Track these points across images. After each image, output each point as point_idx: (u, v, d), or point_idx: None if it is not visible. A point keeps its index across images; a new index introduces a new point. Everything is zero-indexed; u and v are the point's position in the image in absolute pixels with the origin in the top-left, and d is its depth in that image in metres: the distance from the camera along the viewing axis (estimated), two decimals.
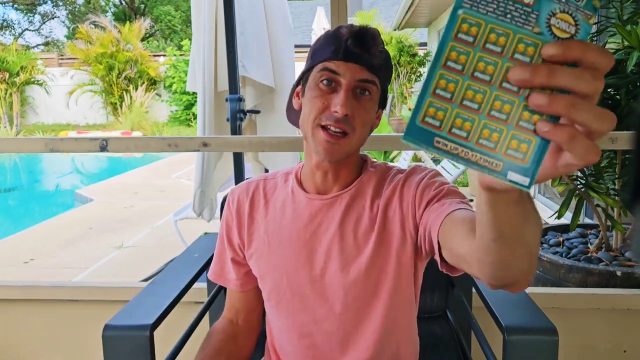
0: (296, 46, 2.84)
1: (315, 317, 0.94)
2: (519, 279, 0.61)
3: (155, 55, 16.53)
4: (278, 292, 0.96)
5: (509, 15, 0.39)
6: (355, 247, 0.92)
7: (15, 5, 24.78)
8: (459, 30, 0.39)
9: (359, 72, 0.86)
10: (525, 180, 0.39)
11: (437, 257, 0.80)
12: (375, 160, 1.03)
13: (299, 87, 0.95)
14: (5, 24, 24.95)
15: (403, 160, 6.27)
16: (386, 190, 0.94)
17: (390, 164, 1.02)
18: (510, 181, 0.40)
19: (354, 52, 0.86)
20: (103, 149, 1.60)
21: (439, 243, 0.78)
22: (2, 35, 24.02)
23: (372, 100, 0.89)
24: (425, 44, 13.53)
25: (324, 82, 0.87)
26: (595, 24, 2.65)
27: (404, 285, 0.94)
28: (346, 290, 0.92)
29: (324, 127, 0.86)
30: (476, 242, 0.58)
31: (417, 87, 10.33)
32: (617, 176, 2.30)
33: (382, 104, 0.94)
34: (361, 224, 0.93)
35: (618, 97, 2.26)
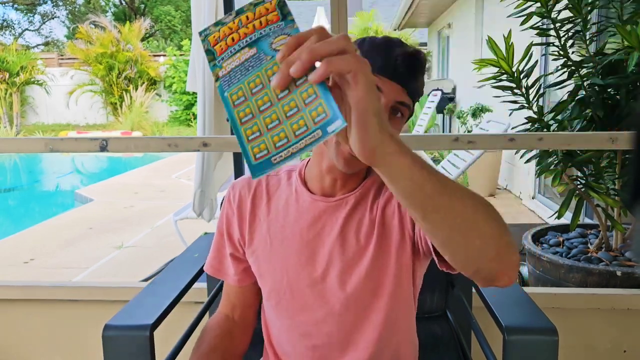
0: None
1: (315, 318, 0.94)
2: (485, 266, 0.63)
3: (155, 55, 16.53)
4: (278, 292, 0.96)
5: (250, 68, 0.55)
6: (357, 250, 0.92)
7: (15, 5, 24.78)
8: (233, 102, 0.54)
9: (400, 94, 0.85)
10: (339, 122, 0.50)
11: (433, 256, 0.80)
12: None
13: None
14: (5, 24, 24.96)
15: None
16: (386, 191, 0.94)
17: None
18: (333, 132, 0.50)
19: (402, 73, 0.85)
20: (103, 149, 1.60)
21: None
22: (2, 35, 24.03)
23: (401, 123, 0.89)
24: (425, 44, 13.52)
25: None
26: (595, 24, 2.65)
27: (403, 287, 0.93)
28: (347, 293, 0.92)
29: None
30: None
31: None
32: (617, 176, 2.30)
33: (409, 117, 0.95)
34: (362, 226, 0.92)
35: (618, 97, 2.26)
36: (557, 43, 2.30)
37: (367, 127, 0.53)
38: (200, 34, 0.58)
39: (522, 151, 2.38)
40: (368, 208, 0.93)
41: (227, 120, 2.19)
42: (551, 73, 2.61)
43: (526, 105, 2.35)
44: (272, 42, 0.54)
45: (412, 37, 11.92)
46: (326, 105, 0.51)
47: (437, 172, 0.59)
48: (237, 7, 2.22)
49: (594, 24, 2.60)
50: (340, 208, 0.93)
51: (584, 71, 2.29)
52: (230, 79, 0.55)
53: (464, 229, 0.60)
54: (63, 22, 27.31)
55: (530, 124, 2.38)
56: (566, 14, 2.28)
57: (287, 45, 0.52)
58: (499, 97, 2.42)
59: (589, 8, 2.26)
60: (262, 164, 0.52)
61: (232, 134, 2.18)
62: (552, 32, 2.29)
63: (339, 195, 0.94)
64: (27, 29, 26.03)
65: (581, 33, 2.26)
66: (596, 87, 2.24)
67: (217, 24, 0.58)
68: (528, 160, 2.45)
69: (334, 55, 0.51)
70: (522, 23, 2.26)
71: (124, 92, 14.76)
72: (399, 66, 0.84)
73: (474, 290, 1.35)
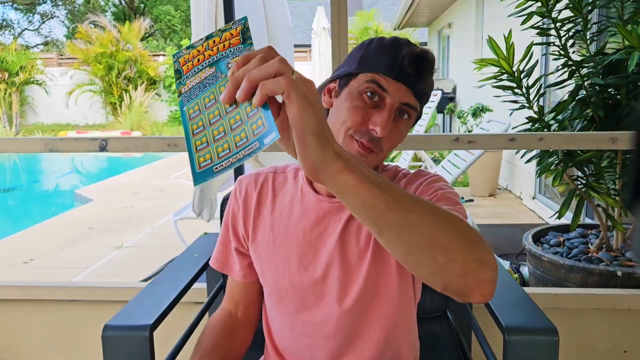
0: (296, 46, 2.84)
1: (315, 318, 0.94)
2: (453, 282, 0.62)
3: (154, 55, 16.54)
4: (279, 291, 0.96)
5: (207, 85, 0.59)
6: (357, 252, 0.91)
7: (15, 5, 24.78)
8: (189, 115, 0.58)
9: (406, 95, 0.84)
10: (274, 134, 0.53)
11: None
12: (387, 163, 1.01)
13: (333, 85, 0.91)
14: (4, 23, 24.96)
15: (403, 160, 6.28)
16: None
17: (400, 167, 1.01)
18: (269, 143, 0.54)
19: (408, 74, 0.84)
20: (103, 149, 1.60)
21: None
22: (1, 35, 24.03)
23: (408, 125, 0.88)
24: (425, 44, 13.53)
25: (368, 94, 0.84)
26: (595, 23, 2.65)
27: (403, 290, 0.93)
28: (347, 294, 0.91)
29: (356, 139, 0.84)
30: None
31: None
32: (617, 176, 2.30)
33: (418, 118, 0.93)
34: (363, 229, 0.92)
35: (618, 97, 2.26)
36: (557, 43, 2.29)
37: (306, 145, 0.54)
38: (172, 56, 0.63)
39: (523, 151, 2.38)
40: None
41: None
42: (552, 73, 2.61)
43: (527, 105, 2.35)
44: (228, 62, 0.59)
45: (412, 36, 11.92)
46: (265, 118, 0.54)
47: (391, 189, 0.59)
48: (236, 7, 2.22)
49: (594, 23, 2.60)
50: (343, 209, 0.92)
51: (584, 71, 2.29)
52: (189, 94, 0.59)
53: (423, 246, 0.60)
54: (62, 21, 27.34)
55: (530, 123, 2.38)
56: (567, 13, 2.28)
57: (236, 63, 0.56)
58: (499, 96, 2.42)
59: (590, 8, 2.26)
60: (204, 172, 0.55)
61: None
62: (553, 32, 2.29)
63: None
64: (26, 29, 26.04)
65: (582, 33, 2.26)
66: (597, 87, 2.24)
67: (188, 47, 0.62)
68: (529, 160, 2.45)
69: (268, 79, 0.54)
70: (523, 23, 2.26)
71: (124, 92, 14.76)
72: (405, 66, 0.83)
73: None
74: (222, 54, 0.60)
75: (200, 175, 0.55)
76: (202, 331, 1.02)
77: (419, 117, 0.90)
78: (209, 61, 0.60)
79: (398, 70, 0.83)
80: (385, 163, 1.01)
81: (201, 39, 0.62)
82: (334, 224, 0.93)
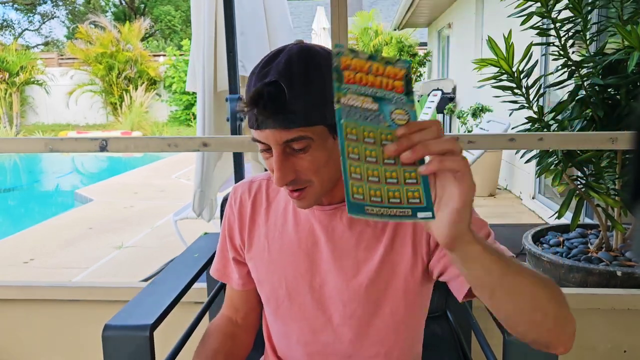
0: None
1: (313, 327, 0.93)
2: (543, 336, 0.69)
3: (155, 55, 16.54)
4: (277, 299, 0.95)
5: (368, 119, 0.59)
6: (356, 263, 0.89)
7: (15, 5, 24.78)
8: (346, 133, 0.58)
9: (279, 136, 0.77)
10: (429, 214, 0.58)
11: (461, 297, 0.82)
12: None
13: None
14: (5, 24, 24.96)
15: None
16: None
17: None
18: (422, 219, 0.58)
19: (263, 119, 0.76)
20: (103, 149, 1.60)
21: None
22: (2, 35, 24.03)
23: (314, 148, 0.79)
24: (425, 44, 13.52)
25: (260, 148, 0.82)
26: (595, 24, 2.65)
27: (408, 305, 0.91)
28: (345, 304, 0.90)
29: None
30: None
31: (417, 86, 10.32)
32: (617, 176, 2.30)
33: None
34: (363, 239, 0.89)
35: (618, 97, 2.26)
36: (557, 43, 2.30)
37: (461, 219, 0.59)
38: (336, 46, 0.60)
39: (523, 151, 2.38)
40: (371, 221, 0.89)
41: (227, 120, 2.20)
42: (551, 73, 2.61)
43: (526, 105, 2.35)
44: (392, 111, 0.60)
45: (412, 37, 11.91)
46: (423, 194, 0.59)
47: (503, 256, 0.66)
48: (237, 7, 2.22)
49: (594, 23, 2.60)
50: (337, 217, 0.90)
51: (584, 71, 2.29)
52: (349, 111, 0.59)
53: (527, 306, 0.67)
54: (63, 22, 27.35)
55: (530, 123, 2.38)
56: (566, 13, 2.28)
57: (408, 127, 0.59)
58: (499, 97, 2.42)
59: (589, 8, 2.27)
60: (357, 205, 0.57)
61: (232, 134, 2.18)
62: (552, 32, 2.29)
63: (334, 202, 0.91)
64: (27, 29, 26.06)
65: (581, 33, 2.26)
66: (596, 87, 2.24)
67: (352, 50, 0.60)
68: (528, 160, 2.45)
69: (444, 155, 0.58)
70: (523, 23, 2.26)
71: (124, 92, 14.76)
72: (257, 113, 0.76)
73: None
74: (386, 94, 0.60)
75: (354, 207, 0.57)
76: (201, 338, 1.02)
77: (335, 134, 0.80)
78: (372, 92, 0.60)
79: (255, 119, 0.77)
80: None
81: (365, 52, 0.60)
82: (327, 233, 0.91)
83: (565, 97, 2.33)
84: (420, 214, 0.58)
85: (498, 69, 2.30)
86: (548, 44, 2.43)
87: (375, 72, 0.60)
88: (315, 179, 0.81)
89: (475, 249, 0.62)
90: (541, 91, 2.38)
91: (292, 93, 0.75)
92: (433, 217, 0.58)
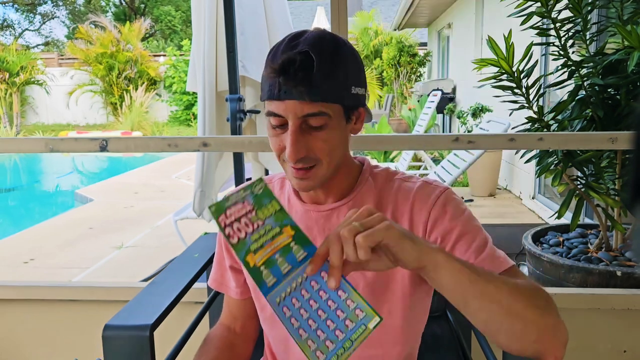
0: None
1: None
2: (529, 347, 0.69)
3: (155, 55, 16.54)
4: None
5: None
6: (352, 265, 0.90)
7: (15, 6, 24.77)
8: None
9: (300, 109, 0.76)
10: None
11: None
12: (376, 164, 0.97)
13: None
14: (5, 24, 24.96)
15: (403, 160, 6.27)
16: (391, 207, 0.89)
17: (393, 169, 0.97)
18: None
19: (288, 89, 0.76)
20: (103, 149, 1.60)
21: None
22: (2, 35, 24.02)
23: (330, 127, 0.79)
24: (425, 44, 13.53)
25: (273, 124, 0.81)
26: (595, 24, 2.65)
27: (406, 308, 0.91)
28: None
29: (289, 164, 0.82)
30: None
31: (417, 87, 10.32)
32: (617, 176, 2.30)
33: (358, 104, 0.84)
34: None
35: (618, 97, 2.26)
36: (557, 43, 2.29)
37: (413, 249, 0.65)
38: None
39: (522, 151, 2.38)
40: None
41: (228, 120, 2.20)
42: (551, 73, 2.61)
43: (526, 105, 2.35)
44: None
45: (412, 37, 11.91)
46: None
47: (471, 266, 0.69)
48: (237, 7, 2.23)
49: (594, 23, 2.60)
50: (332, 218, 0.90)
51: (584, 71, 2.29)
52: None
53: (502, 314, 0.68)
54: (63, 22, 27.33)
55: (530, 123, 2.38)
56: (566, 13, 2.28)
57: (313, 263, 0.68)
58: (499, 97, 2.42)
59: (589, 8, 2.26)
60: None
61: (232, 134, 2.18)
62: (552, 32, 2.29)
63: (329, 203, 0.90)
64: (27, 29, 26.04)
65: (581, 33, 2.26)
66: (596, 87, 2.24)
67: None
68: (528, 160, 2.45)
69: (344, 259, 0.66)
70: (522, 23, 2.26)
71: (124, 92, 14.76)
72: (282, 82, 0.76)
73: None
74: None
75: None
76: (200, 346, 1.01)
77: (351, 106, 0.82)
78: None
79: (278, 89, 0.77)
80: (379, 164, 0.98)
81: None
82: (324, 235, 0.89)
83: (565, 97, 2.32)
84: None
85: (498, 68, 2.30)
86: (548, 44, 2.43)
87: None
88: (325, 159, 0.82)
89: (439, 257, 0.66)
90: (541, 91, 2.38)
91: (321, 67, 0.76)
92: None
